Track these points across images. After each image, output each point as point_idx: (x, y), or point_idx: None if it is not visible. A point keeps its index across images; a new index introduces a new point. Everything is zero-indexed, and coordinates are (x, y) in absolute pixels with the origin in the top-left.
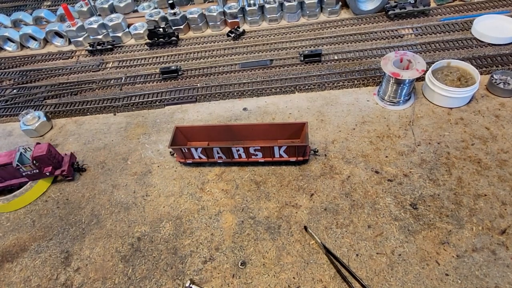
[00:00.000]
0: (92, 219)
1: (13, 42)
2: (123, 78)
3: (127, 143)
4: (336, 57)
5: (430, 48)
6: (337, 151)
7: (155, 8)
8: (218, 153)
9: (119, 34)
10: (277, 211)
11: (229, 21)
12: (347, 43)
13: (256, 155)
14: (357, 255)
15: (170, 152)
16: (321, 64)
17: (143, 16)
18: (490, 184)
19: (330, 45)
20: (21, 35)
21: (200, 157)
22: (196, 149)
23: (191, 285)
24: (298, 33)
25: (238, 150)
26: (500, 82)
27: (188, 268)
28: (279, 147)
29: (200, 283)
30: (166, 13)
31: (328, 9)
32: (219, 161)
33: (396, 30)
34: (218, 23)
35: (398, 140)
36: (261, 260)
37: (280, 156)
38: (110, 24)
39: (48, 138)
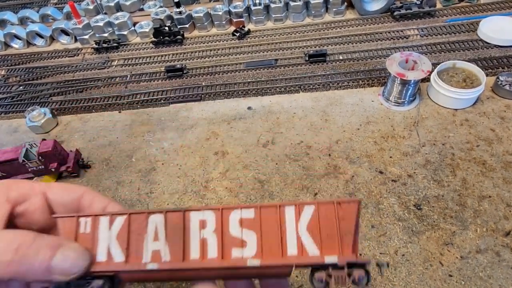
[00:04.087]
0: None
1: (20, 39)
2: (129, 76)
3: (131, 140)
4: (341, 57)
5: (435, 49)
6: (341, 151)
7: (161, 6)
8: None
9: (125, 32)
10: None
11: (234, 20)
12: (352, 44)
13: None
14: (360, 254)
15: None
16: (326, 64)
17: (149, 15)
18: (495, 185)
19: (335, 45)
20: (27, 32)
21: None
22: None
23: None
24: (303, 33)
25: None
26: (506, 84)
27: None
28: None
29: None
30: (171, 12)
31: (334, 9)
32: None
33: (401, 31)
34: (224, 22)
35: (403, 140)
36: None
37: None
38: (116, 22)
39: (54, 134)
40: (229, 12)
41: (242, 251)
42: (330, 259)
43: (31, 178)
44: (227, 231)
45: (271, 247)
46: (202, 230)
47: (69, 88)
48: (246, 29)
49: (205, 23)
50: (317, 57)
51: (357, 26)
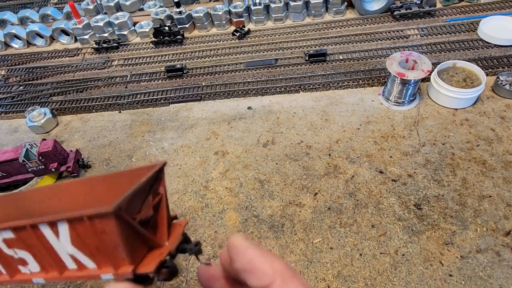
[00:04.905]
0: None
1: (20, 39)
2: (129, 76)
3: (132, 140)
4: (341, 57)
5: (435, 48)
6: (341, 150)
7: (161, 6)
8: None
9: (125, 32)
10: (281, 210)
11: (234, 20)
12: (352, 43)
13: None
14: (360, 254)
15: None
16: (326, 64)
17: (149, 15)
18: (495, 185)
19: (335, 45)
20: (27, 32)
21: None
22: None
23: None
24: (303, 32)
25: None
26: (506, 84)
27: (192, 265)
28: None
29: None
30: (171, 12)
31: (334, 9)
32: None
33: (401, 31)
34: (223, 22)
35: (403, 140)
36: None
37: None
38: (116, 22)
39: (54, 134)
40: (229, 12)
41: (27, 267)
42: (106, 276)
43: (31, 178)
44: (1, 251)
45: (51, 264)
46: None
47: (69, 88)
48: (246, 29)
49: (205, 23)
50: (317, 57)
51: (357, 26)
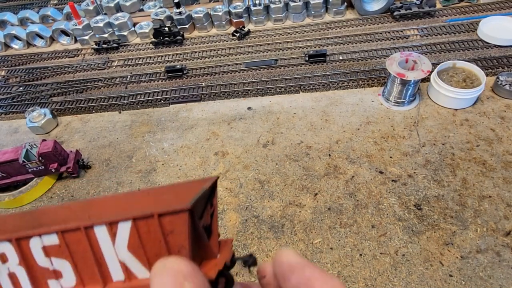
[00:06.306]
0: None
1: (20, 40)
2: (129, 76)
3: (132, 141)
4: (341, 58)
5: (435, 49)
6: (341, 151)
7: (161, 7)
8: None
9: (125, 33)
10: (281, 210)
11: (234, 20)
12: (352, 44)
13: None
14: (360, 255)
15: None
16: (326, 64)
17: (149, 15)
18: (495, 185)
19: (335, 45)
20: (27, 33)
21: None
22: None
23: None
24: (303, 33)
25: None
26: (506, 84)
27: None
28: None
29: None
30: (171, 12)
31: (334, 10)
32: None
33: (401, 31)
34: (223, 22)
35: (403, 140)
36: (264, 259)
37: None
38: (116, 23)
39: (54, 135)
40: (229, 13)
41: (59, 282)
42: None
43: (31, 179)
44: (34, 263)
45: (92, 275)
46: (6, 263)
47: (69, 89)
48: (246, 29)
49: (205, 24)
50: (317, 57)
51: (357, 26)
